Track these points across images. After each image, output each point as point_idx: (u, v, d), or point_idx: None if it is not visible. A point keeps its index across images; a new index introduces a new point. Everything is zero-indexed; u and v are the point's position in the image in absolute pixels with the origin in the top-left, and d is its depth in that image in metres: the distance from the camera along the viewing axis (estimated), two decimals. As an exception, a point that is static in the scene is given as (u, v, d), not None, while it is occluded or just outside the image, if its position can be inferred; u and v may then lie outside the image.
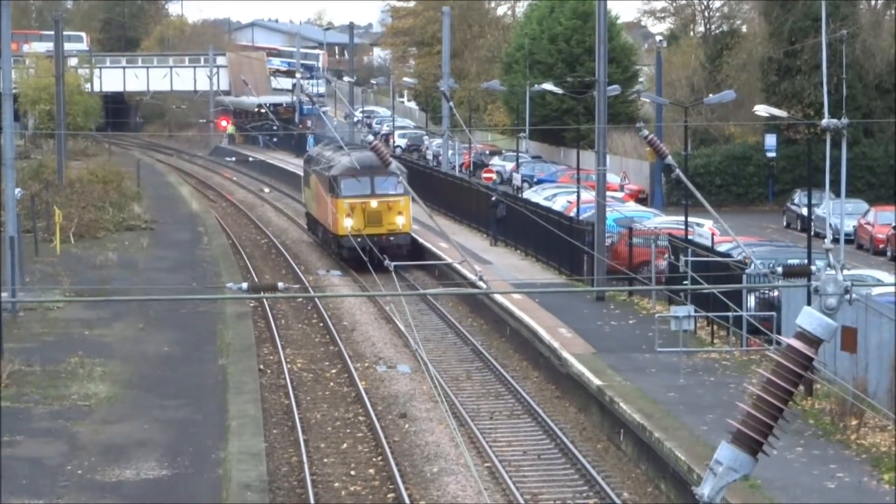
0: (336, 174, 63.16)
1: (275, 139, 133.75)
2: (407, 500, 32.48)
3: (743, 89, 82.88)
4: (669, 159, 26.35)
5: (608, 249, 54.72)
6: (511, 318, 50.15)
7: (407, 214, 63.04)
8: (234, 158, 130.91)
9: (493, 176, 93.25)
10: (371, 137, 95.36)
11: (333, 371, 46.56)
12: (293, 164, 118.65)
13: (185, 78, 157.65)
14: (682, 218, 55.71)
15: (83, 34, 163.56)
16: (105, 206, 79.16)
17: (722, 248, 51.96)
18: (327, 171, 64.91)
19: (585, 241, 54.97)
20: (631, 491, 33.29)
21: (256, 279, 63.15)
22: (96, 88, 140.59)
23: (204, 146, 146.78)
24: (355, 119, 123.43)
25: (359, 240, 56.89)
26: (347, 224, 60.31)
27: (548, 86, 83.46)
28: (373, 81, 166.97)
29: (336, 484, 34.52)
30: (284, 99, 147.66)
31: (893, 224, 66.76)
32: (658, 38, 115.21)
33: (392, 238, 61.08)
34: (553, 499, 33.19)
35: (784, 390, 6.64)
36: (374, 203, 61.53)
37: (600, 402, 38.66)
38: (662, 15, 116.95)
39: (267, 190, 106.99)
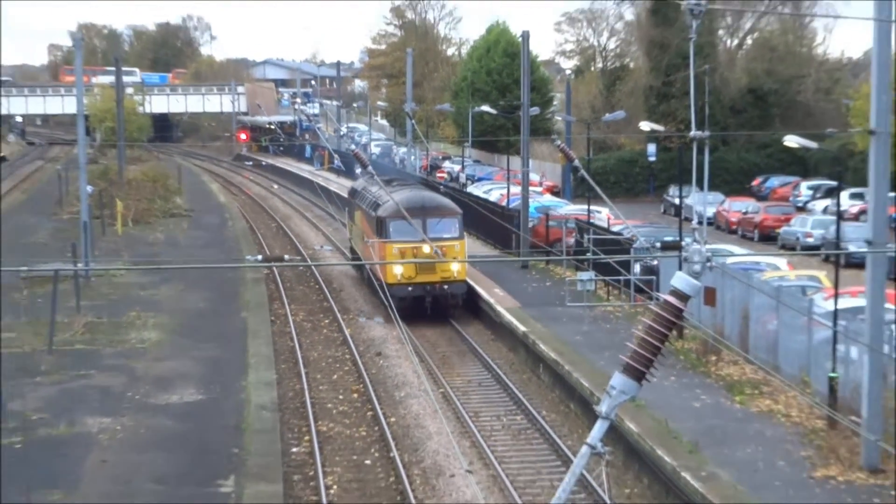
0: (384, 215, 44.70)
1: (281, 148, 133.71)
2: (381, 417, 32.54)
3: (631, 110, 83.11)
4: (576, 162, 26.45)
5: (531, 230, 54.87)
6: (458, 281, 50.10)
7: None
8: (251, 163, 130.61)
9: (445, 175, 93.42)
10: (353, 146, 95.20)
11: (326, 321, 46.56)
12: (295, 166, 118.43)
13: (213, 102, 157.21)
14: (586, 206, 55.87)
15: (136, 69, 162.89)
16: (154, 198, 79.11)
17: (615, 228, 52.15)
18: (374, 211, 46.76)
19: (514, 224, 55.08)
20: (548, 409, 33.43)
21: (268, 252, 63.13)
22: (147, 110, 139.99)
23: (228, 153, 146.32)
24: (341, 133, 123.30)
25: (409, 290, 43.22)
26: (397, 271, 43.39)
27: (485, 108, 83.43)
28: (354, 105, 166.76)
29: (329, 405, 34.61)
30: (288, 118, 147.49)
31: (743, 211, 67.27)
32: (567, 71, 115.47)
33: (447, 286, 43.66)
34: (490, 415, 33.34)
35: (661, 334, 6.67)
36: (426, 248, 42.90)
37: (525, 344, 38.80)
38: (571, 54, 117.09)
39: (276, 186, 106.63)
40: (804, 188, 75.72)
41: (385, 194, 44.74)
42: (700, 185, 41.26)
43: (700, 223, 47.78)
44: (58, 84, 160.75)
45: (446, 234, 44.09)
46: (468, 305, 46.39)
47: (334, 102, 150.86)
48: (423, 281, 43.17)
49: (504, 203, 63.19)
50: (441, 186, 68.94)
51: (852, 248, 42.26)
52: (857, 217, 58.32)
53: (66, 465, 25.93)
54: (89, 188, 54.13)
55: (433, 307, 43.59)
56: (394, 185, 51.20)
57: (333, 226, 72.13)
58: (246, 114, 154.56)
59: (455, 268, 43.64)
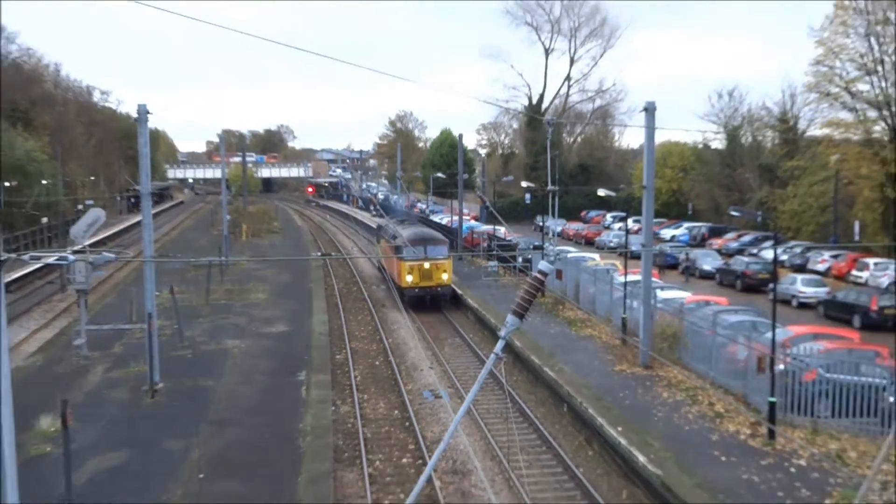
0: (400, 244, 40.35)
1: (331, 195, 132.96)
2: (384, 339, 32.44)
3: (516, 176, 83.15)
4: (487, 203, 26.51)
5: (464, 239, 54.82)
6: (426, 266, 49.65)
7: (449, 272, 39.51)
8: (314, 203, 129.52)
9: (418, 210, 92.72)
10: (369, 195, 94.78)
11: (355, 288, 46.23)
12: (339, 206, 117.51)
13: (294, 172, 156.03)
14: (493, 227, 55.83)
15: (253, 153, 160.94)
16: (263, 222, 78.40)
17: (509, 238, 52.15)
18: (393, 240, 42.58)
19: (456, 236, 55.04)
20: (473, 334, 33.30)
21: (323, 250, 62.71)
22: (259, 175, 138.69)
23: (302, 199, 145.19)
24: (362, 187, 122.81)
25: (416, 290, 39.24)
26: (408, 279, 39.14)
27: (439, 174, 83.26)
28: (369, 172, 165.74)
29: (356, 332, 34.41)
30: (334, 180, 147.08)
31: (576, 229, 67.38)
32: (483, 154, 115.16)
33: (439, 289, 39.05)
34: (441, 337, 33.24)
35: (532, 294, 6.68)
36: (426, 264, 38.92)
37: (460, 301, 38.73)
38: (485, 145, 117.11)
39: (328, 217, 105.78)
40: (608, 217, 76.13)
41: (400, 230, 42.88)
42: (553, 216, 41.51)
43: (553, 236, 47.51)
44: (211, 161, 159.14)
45: (439, 256, 39.98)
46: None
47: (359, 172, 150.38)
48: (425, 285, 39.47)
49: (450, 224, 63.03)
50: (413, 215, 68.70)
51: (634, 248, 42.51)
52: (637, 232, 58.61)
53: (214, 366, 25.76)
54: (227, 217, 53.67)
55: (431, 302, 40.25)
56: (405, 223, 47.77)
57: (356, 238, 71.73)
58: (312, 177, 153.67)
59: (445, 277, 39.75)
